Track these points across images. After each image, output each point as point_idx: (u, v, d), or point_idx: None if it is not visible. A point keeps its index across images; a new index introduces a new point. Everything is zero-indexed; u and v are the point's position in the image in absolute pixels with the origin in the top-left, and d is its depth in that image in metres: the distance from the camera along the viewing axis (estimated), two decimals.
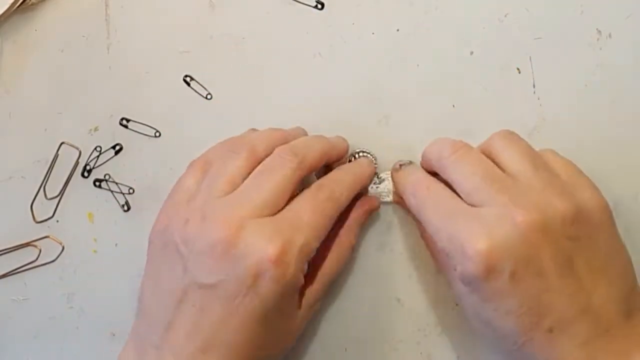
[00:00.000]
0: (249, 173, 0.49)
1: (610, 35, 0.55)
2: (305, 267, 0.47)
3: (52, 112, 0.58)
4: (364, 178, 0.53)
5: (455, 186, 0.48)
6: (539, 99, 0.55)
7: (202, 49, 0.57)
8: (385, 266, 0.55)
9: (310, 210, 0.47)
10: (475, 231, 0.44)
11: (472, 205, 0.46)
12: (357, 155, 0.55)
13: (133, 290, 0.57)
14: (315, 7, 0.57)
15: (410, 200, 0.50)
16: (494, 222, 0.44)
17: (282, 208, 0.47)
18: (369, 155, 0.55)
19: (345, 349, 0.55)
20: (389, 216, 0.55)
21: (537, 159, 0.49)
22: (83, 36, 0.58)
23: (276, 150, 0.49)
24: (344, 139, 0.54)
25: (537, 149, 0.50)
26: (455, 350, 0.54)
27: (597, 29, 0.55)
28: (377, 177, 0.54)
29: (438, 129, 0.55)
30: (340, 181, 0.50)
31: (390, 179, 0.54)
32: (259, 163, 0.49)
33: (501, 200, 0.45)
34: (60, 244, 0.57)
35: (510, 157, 0.48)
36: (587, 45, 0.55)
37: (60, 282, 0.57)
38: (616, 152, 0.54)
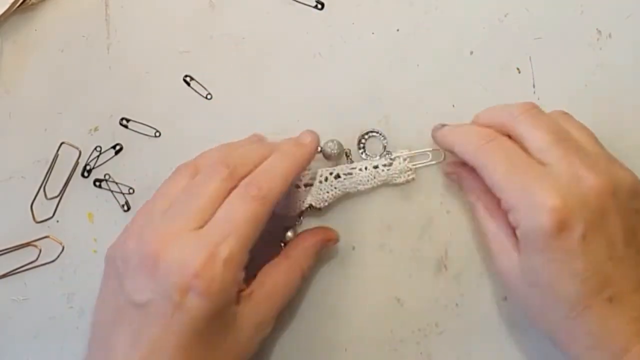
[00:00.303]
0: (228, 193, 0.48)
1: (610, 35, 0.55)
2: (240, 276, 0.46)
3: (52, 112, 0.58)
4: (304, 158, 0.50)
5: (527, 142, 0.47)
6: (539, 99, 0.55)
7: (202, 49, 0.57)
8: (385, 266, 0.55)
9: (236, 216, 0.45)
10: (550, 186, 0.44)
11: (542, 164, 0.46)
12: (366, 136, 0.55)
13: None
14: (315, 7, 0.57)
15: (469, 149, 0.48)
16: (568, 181, 0.45)
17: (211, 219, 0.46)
18: (378, 135, 0.54)
19: (345, 349, 0.55)
20: (389, 216, 0.55)
21: (594, 136, 0.50)
22: (83, 36, 0.58)
23: (208, 164, 0.48)
24: (310, 134, 0.52)
25: None
26: (455, 350, 0.54)
27: (597, 29, 0.55)
28: (390, 158, 0.54)
29: None
30: (270, 173, 0.47)
31: (401, 159, 0.53)
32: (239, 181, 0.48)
33: (575, 161, 0.45)
34: (60, 244, 0.57)
35: (575, 128, 0.49)
36: (587, 45, 0.55)
37: (60, 282, 0.57)
38: (616, 152, 0.54)
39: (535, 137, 0.47)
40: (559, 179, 0.45)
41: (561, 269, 0.44)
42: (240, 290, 0.47)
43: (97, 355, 0.47)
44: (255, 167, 0.48)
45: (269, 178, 0.47)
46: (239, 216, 0.45)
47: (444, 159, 0.54)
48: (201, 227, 0.45)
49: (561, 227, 0.43)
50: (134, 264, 0.45)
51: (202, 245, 0.44)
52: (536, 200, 0.44)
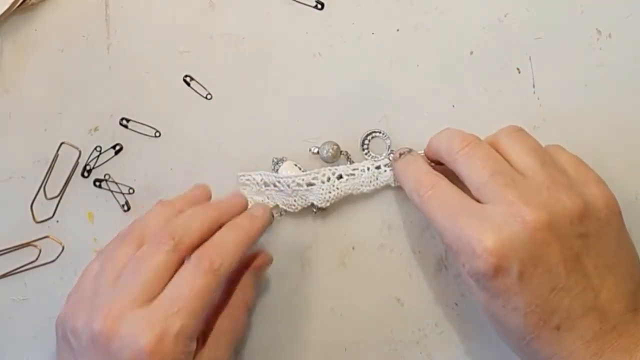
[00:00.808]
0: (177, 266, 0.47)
1: (610, 35, 0.55)
2: (193, 346, 0.46)
3: (52, 112, 0.58)
4: (255, 231, 0.50)
5: (464, 180, 0.48)
6: (539, 99, 0.55)
7: (202, 49, 0.57)
8: (385, 266, 0.55)
9: (187, 290, 0.45)
10: (483, 229, 0.44)
11: (480, 201, 0.46)
12: (369, 137, 0.55)
13: None
14: (315, 7, 0.57)
15: (414, 197, 0.50)
16: (503, 221, 0.44)
17: (160, 292, 0.46)
18: (381, 135, 0.55)
19: (345, 349, 0.55)
20: (389, 216, 0.55)
21: (544, 155, 0.49)
22: (83, 36, 0.58)
23: (152, 235, 0.48)
24: (240, 196, 0.53)
25: (543, 145, 0.50)
26: (455, 350, 0.54)
27: (597, 29, 0.55)
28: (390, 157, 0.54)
29: (438, 129, 0.55)
30: (223, 246, 0.47)
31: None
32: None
33: (510, 197, 0.45)
34: (60, 244, 0.57)
35: (518, 153, 0.48)
36: (587, 45, 0.55)
37: (60, 282, 0.57)
38: (616, 152, 0.54)
39: (471, 176, 0.47)
40: (495, 218, 0.44)
41: (504, 305, 0.45)
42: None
43: None
44: (202, 235, 0.48)
45: (222, 252, 0.47)
46: (189, 290, 0.45)
47: None
48: (150, 300, 0.45)
49: (497, 268, 0.44)
50: (85, 340, 0.45)
51: (152, 321, 0.44)
52: (471, 244, 0.44)
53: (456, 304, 0.54)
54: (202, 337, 0.48)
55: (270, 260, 0.53)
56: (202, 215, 0.49)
